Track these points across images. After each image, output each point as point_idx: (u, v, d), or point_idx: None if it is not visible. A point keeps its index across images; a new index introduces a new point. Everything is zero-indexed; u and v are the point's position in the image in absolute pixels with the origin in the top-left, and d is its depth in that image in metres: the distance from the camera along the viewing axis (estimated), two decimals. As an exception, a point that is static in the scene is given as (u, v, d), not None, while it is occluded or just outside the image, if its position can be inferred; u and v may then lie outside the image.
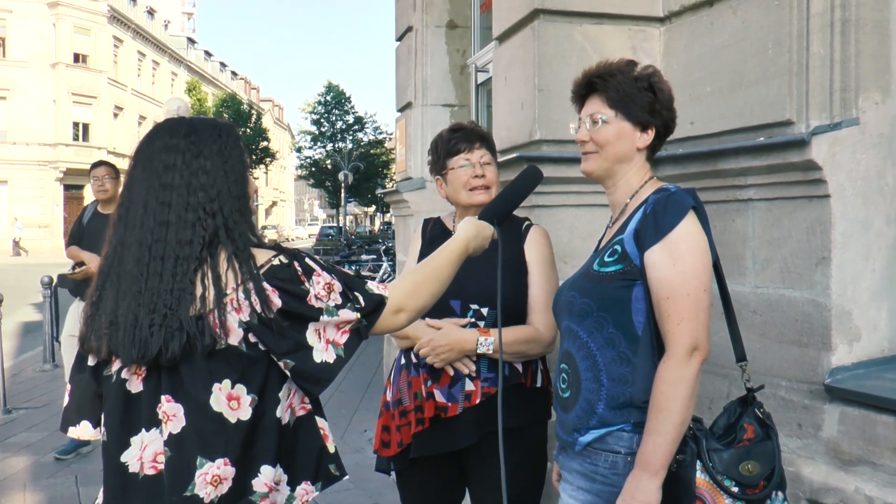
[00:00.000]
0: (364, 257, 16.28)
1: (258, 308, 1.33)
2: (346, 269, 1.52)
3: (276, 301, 1.35)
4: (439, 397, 2.13)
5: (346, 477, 1.54)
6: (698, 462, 1.53)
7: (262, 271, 1.36)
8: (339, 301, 1.41)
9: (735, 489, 1.53)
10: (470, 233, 1.70)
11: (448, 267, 1.61)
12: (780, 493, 1.58)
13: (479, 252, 1.75)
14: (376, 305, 1.46)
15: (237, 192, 1.44)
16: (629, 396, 1.60)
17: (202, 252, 1.36)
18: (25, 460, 4.76)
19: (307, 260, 1.42)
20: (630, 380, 1.60)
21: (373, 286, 1.48)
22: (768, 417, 1.63)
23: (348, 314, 1.41)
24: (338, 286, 1.42)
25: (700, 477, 1.53)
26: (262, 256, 1.39)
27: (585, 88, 1.76)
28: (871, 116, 2.03)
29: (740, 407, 1.65)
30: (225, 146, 1.45)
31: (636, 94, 1.69)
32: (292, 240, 54.06)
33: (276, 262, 1.38)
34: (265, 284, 1.35)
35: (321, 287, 1.39)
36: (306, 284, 1.38)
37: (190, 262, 1.35)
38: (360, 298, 1.44)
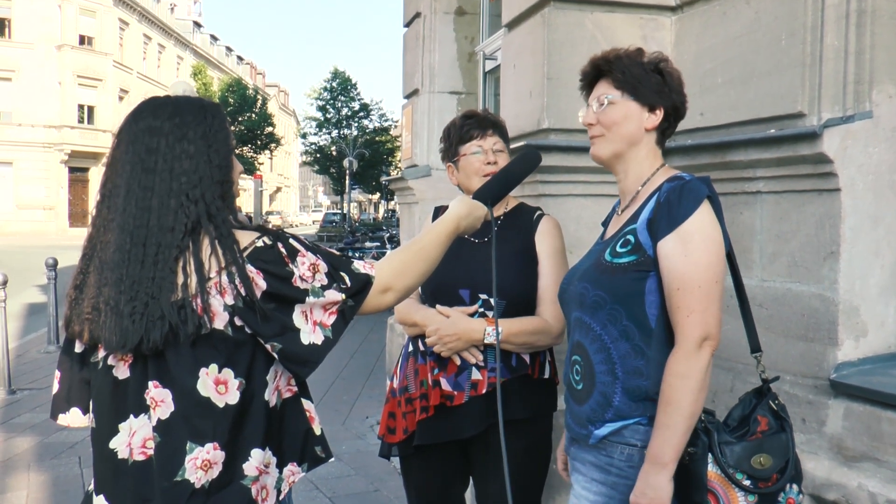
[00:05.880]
0: (368, 244, 16.29)
1: (243, 291, 1.31)
2: (332, 250, 1.49)
3: (261, 283, 1.33)
4: (445, 386, 2.13)
5: (332, 459, 1.53)
6: (710, 455, 1.52)
7: (245, 253, 1.33)
8: (325, 282, 1.38)
9: (747, 482, 1.51)
10: (461, 212, 1.67)
11: (437, 246, 1.58)
12: (794, 486, 1.57)
13: (471, 231, 1.72)
14: (363, 285, 1.43)
15: (220, 177, 1.40)
16: (644, 389, 1.58)
17: (184, 239, 1.33)
18: (29, 441, 4.79)
19: (291, 241, 1.39)
20: (645, 373, 1.58)
21: (359, 265, 1.45)
22: (783, 409, 1.61)
23: (334, 295, 1.39)
24: (323, 266, 1.39)
25: (711, 470, 1.51)
26: (245, 238, 1.36)
27: (593, 74, 1.74)
28: (884, 110, 2.00)
29: (755, 398, 1.63)
30: (210, 129, 1.41)
31: (643, 76, 1.67)
32: (296, 226, 54.11)
33: (259, 243, 1.35)
34: (249, 267, 1.32)
35: (306, 268, 1.37)
36: (291, 266, 1.35)
37: (172, 250, 1.32)
38: (346, 278, 1.41)
